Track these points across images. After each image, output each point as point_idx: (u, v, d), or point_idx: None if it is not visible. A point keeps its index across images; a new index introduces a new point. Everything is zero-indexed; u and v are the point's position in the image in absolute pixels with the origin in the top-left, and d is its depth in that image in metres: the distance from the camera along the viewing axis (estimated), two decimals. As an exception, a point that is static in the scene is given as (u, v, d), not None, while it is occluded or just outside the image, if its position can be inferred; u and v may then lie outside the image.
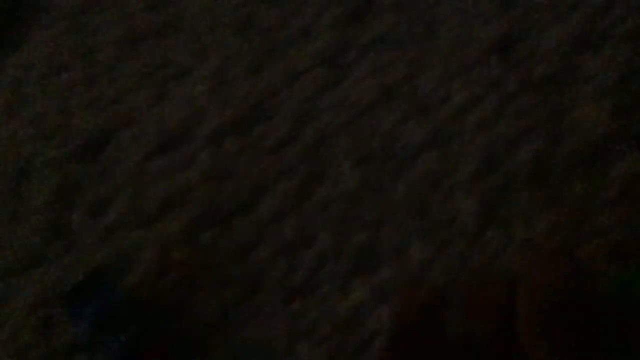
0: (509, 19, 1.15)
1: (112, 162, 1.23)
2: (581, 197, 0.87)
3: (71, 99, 1.33)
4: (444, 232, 0.95)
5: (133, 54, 1.31)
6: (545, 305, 0.61)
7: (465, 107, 1.11)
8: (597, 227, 0.85)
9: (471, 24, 1.17)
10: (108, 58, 1.30)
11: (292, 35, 1.25)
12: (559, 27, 1.13)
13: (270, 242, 1.03)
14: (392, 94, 1.18)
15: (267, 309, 0.94)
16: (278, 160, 1.15)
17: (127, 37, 1.33)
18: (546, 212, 0.87)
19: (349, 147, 1.12)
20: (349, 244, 0.99)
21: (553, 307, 0.61)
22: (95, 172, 1.22)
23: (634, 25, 1.09)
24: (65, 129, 1.30)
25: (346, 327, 0.90)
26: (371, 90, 1.18)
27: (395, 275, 0.93)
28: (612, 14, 1.13)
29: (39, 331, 0.98)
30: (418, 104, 1.15)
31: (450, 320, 0.66)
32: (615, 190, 0.89)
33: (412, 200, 1.02)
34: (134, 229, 1.11)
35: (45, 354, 0.95)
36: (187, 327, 0.94)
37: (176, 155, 1.21)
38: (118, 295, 0.94)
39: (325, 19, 1.25)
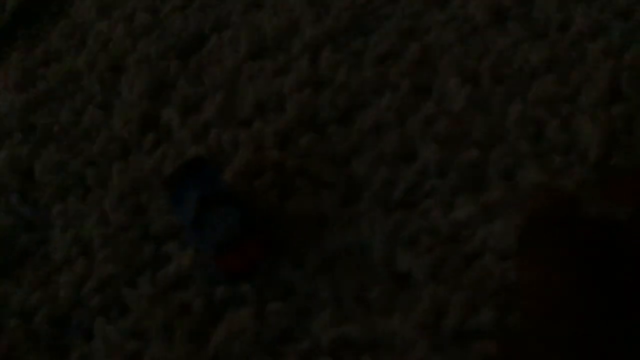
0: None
1: (206, 64, 1.20)
2: None
3: (164, 0, 1.31)
4: (560, 157, 0.90)
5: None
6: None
7: (587, 35, 1.04)
8: None
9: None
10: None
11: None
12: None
13: (369, 153, 0.99)
14: (506, 15, 1.11)
15: (365, 217, 0.91)
16: (379, 74, 1.10)
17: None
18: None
19: (457, 66, 1.07)
20: (455, 161, 0.94)
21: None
22: (188, 72, 1.20)
23: None
24: (157, 29, 1.28)
25: (450, 242, 0.86)
26: (483, 10, 1.12)
27: (504, 197, 0.88)
28: None
29: (133, 215, 0.98)
30: (534, 28, 1.08)
31: (587, 205, 0.61)
32: None
33: (525, 123, 0.96)
34: (228, 129, 1.09)
35: (137, 238, 0.95)
36: (283, 228, 0.92)
37: (271, 62, 1.17)
38: (221, 182, 0.92)
39: None
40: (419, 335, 0.78)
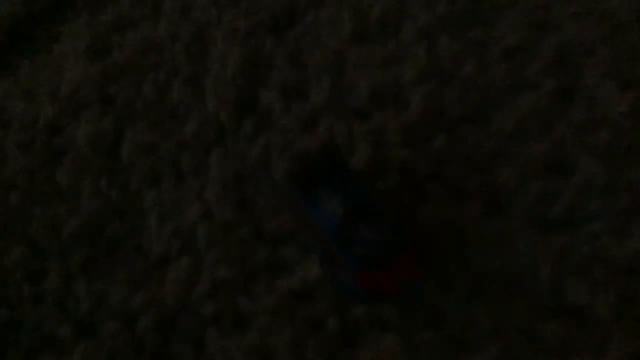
0: None
1: (304, 44, 1.06)
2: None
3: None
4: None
5: None
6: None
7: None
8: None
9: None
10: None
11: None
12: None
13: (516, 160, 0.86)
14: None
15: (516, 236, 0.78)
16: (511, 71, 0.97)
17: None
18: None
19: (606, 68, 0.94)
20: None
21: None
22: (286, 53, 1.06)
23: None
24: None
25: (627, 274, 0.73)
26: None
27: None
28: None
29: (240, 211, 0.84)
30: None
31: None
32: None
33: None
34: (341, 120, 0.96)
35: (249, 238, 0.82)
36: (421, 243, 0.79)
37: (382, 48, 1.04)
38: (361, 185, 0.77)
39: None
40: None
